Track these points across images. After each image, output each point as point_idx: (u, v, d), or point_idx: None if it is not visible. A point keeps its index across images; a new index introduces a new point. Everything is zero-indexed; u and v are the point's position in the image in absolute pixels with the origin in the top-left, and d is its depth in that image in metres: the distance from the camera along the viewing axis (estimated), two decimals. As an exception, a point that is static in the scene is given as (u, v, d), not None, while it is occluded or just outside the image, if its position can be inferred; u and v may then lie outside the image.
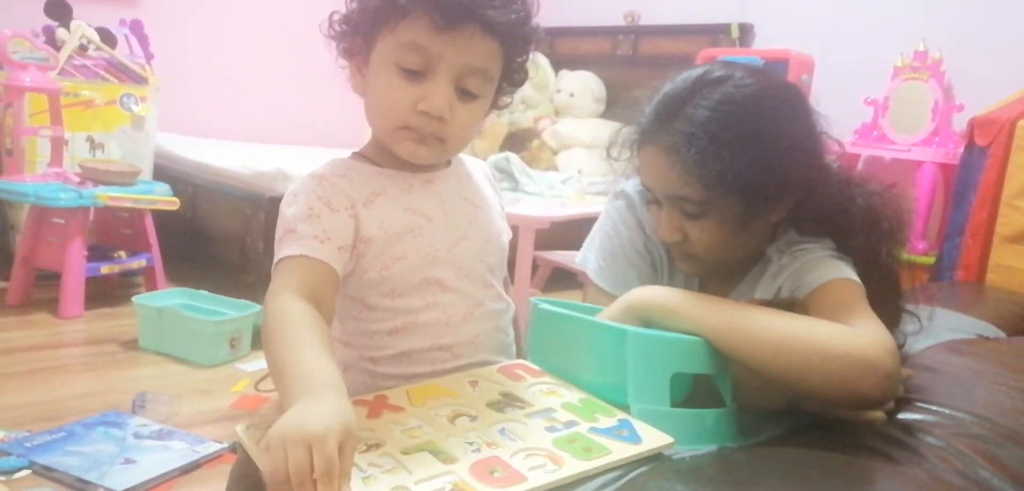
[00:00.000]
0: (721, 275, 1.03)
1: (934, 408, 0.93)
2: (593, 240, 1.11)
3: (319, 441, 0.59)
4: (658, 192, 0.96)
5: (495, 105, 0.91)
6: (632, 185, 1.08)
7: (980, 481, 0.79)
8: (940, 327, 1.35)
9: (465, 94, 0.84)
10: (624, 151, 1.01)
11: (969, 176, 2.38)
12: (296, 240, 0.82)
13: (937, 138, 2.76)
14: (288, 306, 0.76)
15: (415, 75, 0.82)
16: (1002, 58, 2.70)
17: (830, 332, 0.81)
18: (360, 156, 0.91)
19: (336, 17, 0.87)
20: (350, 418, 0.62)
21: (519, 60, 0.88)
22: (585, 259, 1.10)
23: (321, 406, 0.62)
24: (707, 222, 0.94)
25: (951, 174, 2.61)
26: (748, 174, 0.88)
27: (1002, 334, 1.47)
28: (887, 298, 0.96)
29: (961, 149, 2.50)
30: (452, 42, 0.80)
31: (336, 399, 0.64)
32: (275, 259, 0.84)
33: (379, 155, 0.90)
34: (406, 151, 0.86)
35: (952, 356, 1.15)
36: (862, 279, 0.92)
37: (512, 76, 0.89)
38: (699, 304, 0.86)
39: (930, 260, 2.55)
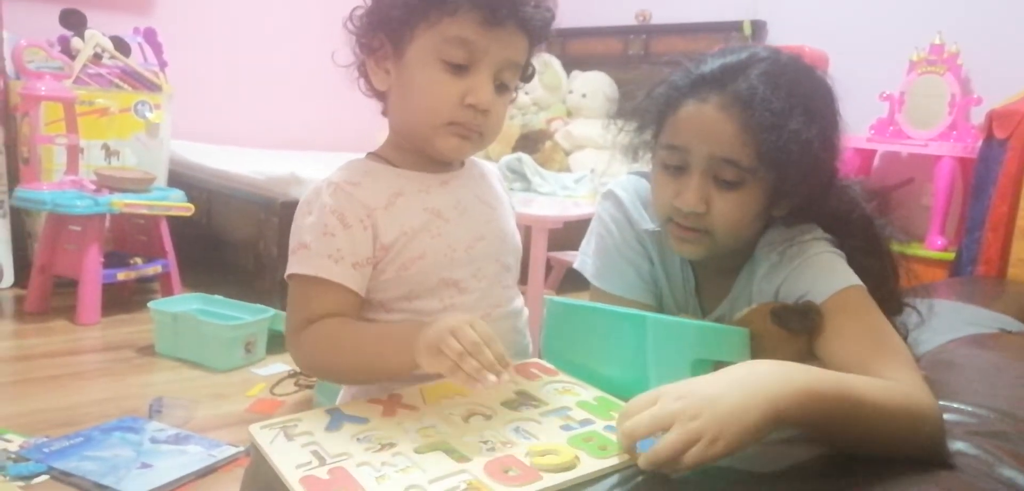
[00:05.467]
0: (716, 269, 1.02)
1: (956, 405, 0.91)
2: (588, 243, 1.10)
3: (456, 331, 0.73)
4: (698, 152, 0.90)
5: None
6: (618, 184, 1.08)
7: (1005, 480, 0.77)
8: (961, 321, 1.33)
9: (501, 87, 0.85)
10: (638, 119, 0.98)
11: (988, 170, 2.35)
12: (309, 258, 0.83)
13: (955, 132, 2.72)
14: (322, 328, 0.82)
15: (459, 70, 0.82)
16: (1020, 50, 2.66)
17: (906, 402, 0.77)
18: (376, 157, 0.91)
19: (359, 11, 0.87)
20: (466, 317, 0.75)
21: (531, 57, 0.90)
22: (583, 263, 1.09)
23: (436, 321, 0.76)
24: (738, 196, 0.91)
25: (969, 168, 2.58)
26: (802, 151, 0.86)
27: (1025, 328, 1.45)
28: (885, 290, 0.94)
29: (979, 143, 2.47)
30: (496, 37, 0.82)
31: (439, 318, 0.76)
32: (288, 270, 0.84)
33: (397, 156, 0.90)
34: (449, 147, 0.86)
35: (974, 350, 1.13)
36: (860, 273, 0.91)
37: (524, 71, 0.90)
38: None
39: (950, 256, 2.52)
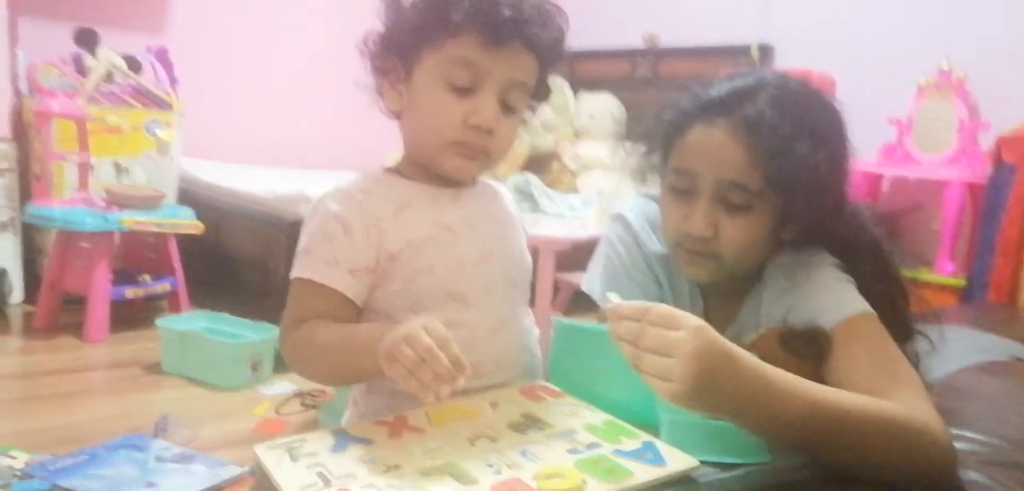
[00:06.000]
0: (724, 293, 1.02)
1: (968, 434, 0.90)
2: (596, 265, 1.10)
3: (409, 338, 0.71)
4: (706, 176, 0.91)
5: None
6: (627, 207, 1.08)
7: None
8: (972, 349, 1.32)
9: (507, 108, 0.86)
10: (646, 142, 0.99)
11: (998, 195, 2.34)
12: (308, 261, 0.85)
13: (963, 157, 2.71)
14: (305, 331, 0.83)
15: (464, 91, 0.83)
16: (1029, 75, 2.66)
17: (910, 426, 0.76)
18: (391, 171, 0.93)
19: (372, 36, 0.89)
20: (421, 320, 0.73)
21: (546, 76, 0.91)
22: (590, 284, 1.09)
23: (395, 328, 0.74)
24: (746, 220, 0.91)
25: (979, 193, 2.56)
26: (809, 176, 0.87)
27: (1037, 356, 1.43)
28: (895, 315, 0.94)
29: (989, 168, 2.46)
30: (500, 58, 0.83)
31: (403, 322, 0.75)
32: (291, 274, 0.87)
33: (410, 171, 0.91)
34: (453, 166, 0.87)
35: (986, 378, 1.12)
36: (869, 298, 0.90)
37: (539, 91, 0.91)
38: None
39: (960, 282, 2.51)
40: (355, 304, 0.85)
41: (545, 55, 0.87)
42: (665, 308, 0.69)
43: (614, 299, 0.74)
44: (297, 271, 0.86)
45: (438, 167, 0.88)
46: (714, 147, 0.90)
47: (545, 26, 0.85)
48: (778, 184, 0.88)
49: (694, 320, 0.68)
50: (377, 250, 0.85)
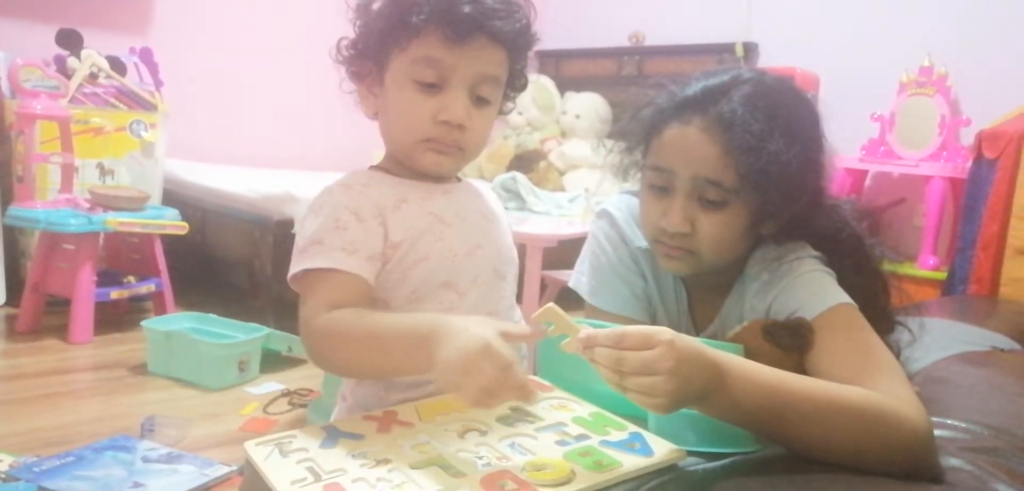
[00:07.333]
0: (706, 287, 1.03)
1: (949, 422, 0.92)
2: (583, 262, 1.11)
3: (489, 353, 0.66)
4: (682, 173, 0.92)
5: (500, 110, 0.94)
6: (612, 203, 1.09)
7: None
8: (953, 339, 1.34)
9: (479, 101, 0.87)
10: (626, 140, 1.00)
11: (978, 190, 2.37)
12: (324, 252, 0.83)
13: (945, 153, 2.75)
14: (336, 316, 0.79)
15: (431, 88, 0.84)
16: (1008, 72, 2.70)
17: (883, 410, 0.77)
18: (378, 169, 0.93)
19: (344, 42, 0.90)
20: (486, 322, 0.70)
21: (520, 66, 0.91)
22: (578, 281, 1.10)
23: (460, 333, 0.68)
24: (722, 216, 0.92)
25: (960, 188, 2.60)
26: (782, 173, 0.88)
27: (1017, 346, 1.46)
28: (876, 308, 0.95)
29: (969, 163, 2.49)
30: (464, 54, 0.83)
31: (457, 321, 0.70)
32: (295, 268, 0.84)
33: (395, 169, 0.92)
34: (429, 162, 0.88)
35: (966, 367, 1.14)
36: (851, 292, 0.92)
37: (515, 81, 0.92)
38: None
39: (941, 275, 2.54)
40: (374, 290, 0.84)
41: (513, 46, 0.87)
42: (639, 330, 0.69)
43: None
44: (312, 263, 0.82)
45: (415, 164, 0.89)
46: (689, 145, 0.92)
47: (509, 17, 0.85)
48: (751, 181, 0.89)
49: (667, 334, 0.69)
50: (384, 239, 0.86)
